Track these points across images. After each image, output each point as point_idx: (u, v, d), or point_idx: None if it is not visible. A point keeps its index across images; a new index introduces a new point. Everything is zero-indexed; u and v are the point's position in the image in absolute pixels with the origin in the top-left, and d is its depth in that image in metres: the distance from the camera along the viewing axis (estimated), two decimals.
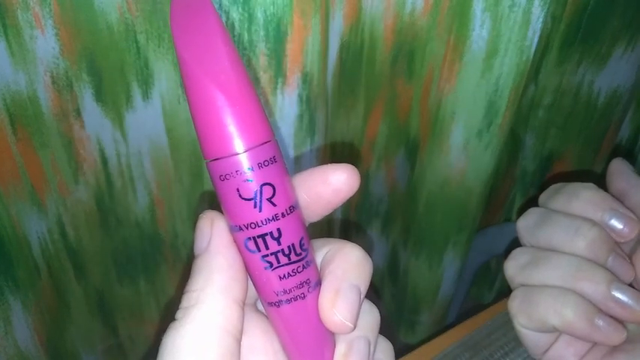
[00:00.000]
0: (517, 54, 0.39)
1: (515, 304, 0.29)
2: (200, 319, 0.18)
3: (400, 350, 0.24)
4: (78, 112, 0.37)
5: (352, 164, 0.20)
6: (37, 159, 0.38)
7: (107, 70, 0.35)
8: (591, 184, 0.30)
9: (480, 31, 0.38)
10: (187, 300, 0.19)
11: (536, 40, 0.38)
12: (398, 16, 0.41)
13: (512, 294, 0.30)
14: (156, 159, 0.40)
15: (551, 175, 0.54)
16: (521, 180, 0.55)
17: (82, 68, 0.35)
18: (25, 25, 0.32)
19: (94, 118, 0.37)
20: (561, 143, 0.52)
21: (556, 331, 0.28)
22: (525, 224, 0.31)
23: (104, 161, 0.39)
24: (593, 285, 0.27)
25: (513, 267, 0.30)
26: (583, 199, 0.29)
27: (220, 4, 0.32)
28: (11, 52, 0.33)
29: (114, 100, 0.36)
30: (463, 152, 0.44)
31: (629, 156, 0.56)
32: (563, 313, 0.27)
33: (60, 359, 0.46)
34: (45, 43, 0.33)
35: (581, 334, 0.27)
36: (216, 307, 0.19)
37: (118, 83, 0.36)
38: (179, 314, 0.19)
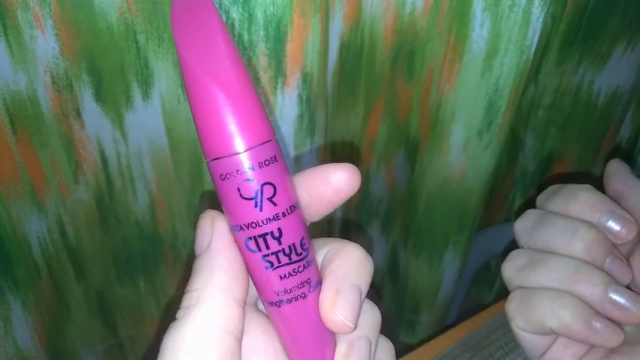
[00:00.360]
0: (517, 54, 0.39)
1: (512, 307, 0.29)
2: (201, 319, 0.18)
3: (400, 350, 0.24)
4: (78, 112, 0.37)
5: (352, 164, 0.20)
6: (37, 159, 0.38)
7: (107, 70, 0.35)
8: (588, 186, 0.30)
9: (480, 31, 0.38)
10: (188, 300, 0.19)
11: (536, 40, 0.38)
12: (398, 16, 0.41)
13: (510, 296, 0.30)
14: (156, 159, 0.40)
15: (551, 175, 0.54)
16: (521, 180, 0.55)
17: (82, 68, 0.35)
18: (25, 25, 0.32)
19: (94, 118, 0.37)
20: (561, 143, 0.52)
21: (553, 334, 0.28)
22: (523, 226, 0.31)
23: (104, 161, 0.39)
24: (591, 287, 0.27)
25: (511, 269, 0.30)
26: (580, 200, 0.29)
27: (220, 4, 0.32)
28: (11, 52, 0.33)
29: (114, 100, 0.36)
30: (463, 152, 0.44)
31: (628, 156, 0.56)
32: (561, 315, 0.27)
33: (60, 359, 0.46)
34: (45, 43, 0.33)
35: (578, 336, 0.27)
36: (217, 306, 0.19)
37: (118, 83, 0.36)
38: (180, 314, 0.19)
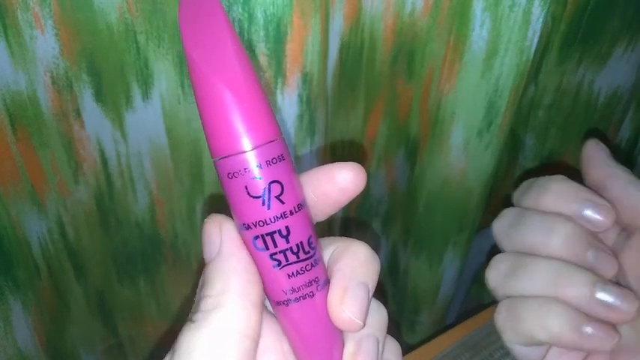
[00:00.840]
0: (517, 54, 0.39)
1: (500, 320, 0.28)
2: (220, 323, 0.18)
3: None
4: (78, 112, 0.37)
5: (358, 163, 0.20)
6: (37, 159, 0.38)
7: (107, 70, 0.35)
8: (560, 176, 0.29)
9: (479, 31, 0.38)
10: (205, 304, 0.19)
11: (536, 40, 0.38)
12: (398, 16, 0.41)
13: (497, 308, 0.28)
14: (156, 159, 0.40)
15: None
16: (521, 180, 0.55)
17: (82, 68, 0.35)
18: (25, 25, 0.32)
19: (94, 118, 0.37)
20: (561, 143, 0.52)
21: (546, 344, 0.27)
22: (500, 227, 0.29)
23: (104, 161, 0.39)
24: (576, 290, 0.25)
25: (494, 277, 0.29)
26: (553, 192, 0.28)
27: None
28: (11, 52, 0.33)
29: (114, 100, 0.36)
30: (463, 152, 0.44)
31: (628, 157, 0.56)
32: (548, 325, 0.25)
33: (60, 359, 0.46)
34: (45, 43, 0.33)
35: (570, 345, 0.26)
36: (236, 311, 0.19)
37: (118, 83, 0.36)
38: (197, 317, 0.19)
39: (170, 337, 0.21)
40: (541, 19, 0.37)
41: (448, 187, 0.47)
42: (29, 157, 0.37)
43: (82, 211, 0.41)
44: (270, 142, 0.18)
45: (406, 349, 0.40)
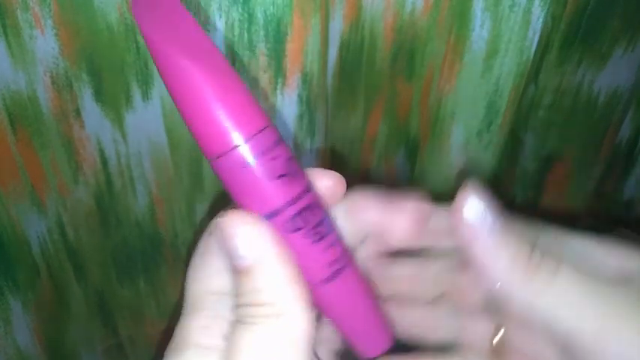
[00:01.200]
0: (517, 54, 0.39)
1: None
2: (290, 329, 0.18)
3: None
4: (78, 112, 0.37)
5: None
6: (37, 159, 0.38)
7: (107, 70, 0.35)
8: None
9: (480, 31, 0.38)
10: (262, 310, 0.18)
11: (536, 40, 0.38)
12: (398, 15, 0.41)
13: None
14: (156, 159, 0.40)
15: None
16: (521, 180, 0.55)
17: (81, 68, 0.35)
18: (25, 25, 0.32)
19: (93, 118, 0.37)
20: (561, 143, 0.52)
21: None
22: None
23: (104, 161, 0.39)
24: None
25: None
26: None
27: (220, 5, 0.32)
28: (11, 52, 0.33)
29: (114, 100, 0.36)
30: (463, 152, 0.44)
31: (628, 157, 0.56)
32: None
33: (60, 359, 0.46)
34: (45, 43, 0.33)
35: None
36: (300, 316, 0.19)
37: (118, 83, 0.36)
38: (251, 320, 0.18)
39: (170, 337, 0.21)
40: (541, 19, 0.37)
41: (448, 187, 0.47)
42: (29, 157, 0.37)
43: (82, 210, 0.41)
44: (268, 126, 0.19)
45: (406, 349, 0.40)
